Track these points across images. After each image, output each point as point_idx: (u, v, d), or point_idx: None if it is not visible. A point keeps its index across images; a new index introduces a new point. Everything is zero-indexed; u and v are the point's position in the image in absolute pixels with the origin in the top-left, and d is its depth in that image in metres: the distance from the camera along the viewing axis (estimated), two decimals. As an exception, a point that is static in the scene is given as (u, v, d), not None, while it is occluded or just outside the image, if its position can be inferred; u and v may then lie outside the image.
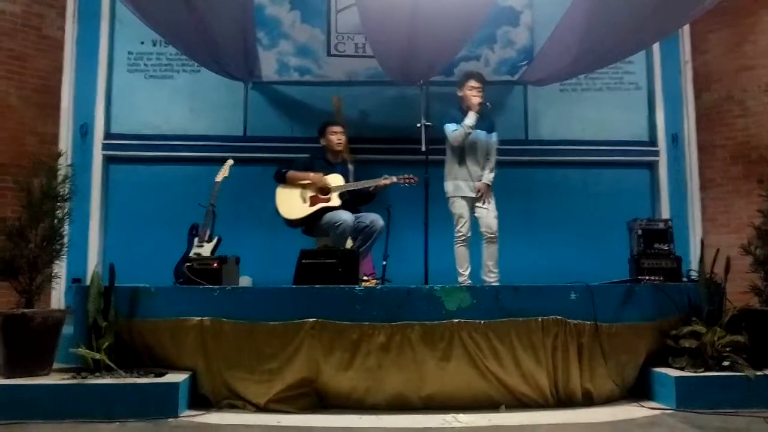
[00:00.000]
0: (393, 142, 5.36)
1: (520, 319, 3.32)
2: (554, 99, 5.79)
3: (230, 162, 4.52)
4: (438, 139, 4.82)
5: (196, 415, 3.13)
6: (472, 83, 4.54)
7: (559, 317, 3.34)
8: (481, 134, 4.54)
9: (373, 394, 3.26)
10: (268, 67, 5.73)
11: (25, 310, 3.27)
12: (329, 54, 5.85)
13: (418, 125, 4.79)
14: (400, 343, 3.31)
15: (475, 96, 4.50)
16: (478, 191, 4.48)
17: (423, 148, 4.75)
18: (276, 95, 5.78)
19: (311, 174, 4.45)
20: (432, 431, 2.95)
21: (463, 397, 3.26)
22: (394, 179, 4.45)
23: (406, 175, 4.46)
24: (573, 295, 3.43)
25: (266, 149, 5.46)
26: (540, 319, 3.32)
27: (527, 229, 5.11)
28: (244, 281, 4.20)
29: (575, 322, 3.36)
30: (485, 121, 4.60)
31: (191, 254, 4.00)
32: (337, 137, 4.63)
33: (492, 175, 4.54)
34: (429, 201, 4.67)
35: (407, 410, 3.23)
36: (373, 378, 3.28)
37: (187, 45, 5.14)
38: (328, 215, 4.35)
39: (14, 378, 3.17)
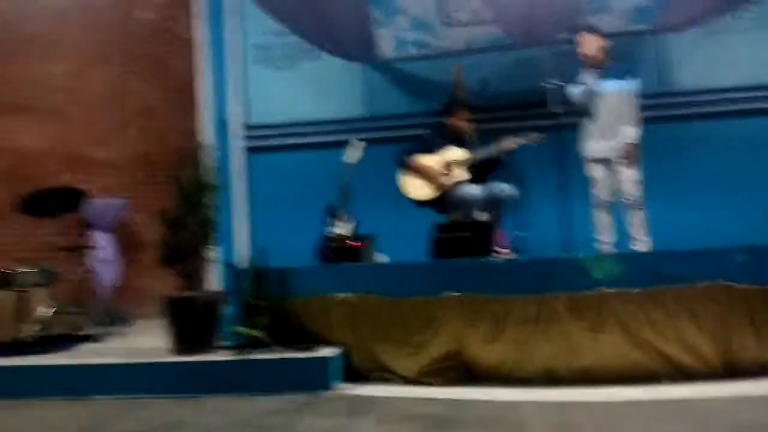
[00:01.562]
0: (520, 108, 5.15)
1: (679, 286, 3.09)
2: (697, 45, 5.25)
3: (359, 143, 4.59)
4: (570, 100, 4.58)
5: (348, 388, 3.25)
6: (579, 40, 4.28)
7: (724, 282, 3.07)
8: (609, 86, 4.15)
9: (521, 367, 3.21)
10: (386, 44, 5.72)
11: (188, 294, 3.55)
12: (445, 24, 5.73)
13: (546, 85, 4.58)
14: (545, 315, 3.22)
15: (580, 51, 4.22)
16: (620, 151, 4.15)
17: (553, 110, 4.55)
18: (395, 72, 5.77)
19: (429, 164, 4.40)
20: (592, 405, 2.84)
21: (618, 369, 3.10)
22: (519, 140, 4.24)
23: (531, 134, 4.25)
24: (739, 258, 3.13)
25: (391, 128, 5.48)
26: (702, 285, 3.07)
27: (676, 190, 4.69)
28: (381, 258, 4.27)
29: (744, 286, 3.06)
30: (614, 70, 4.21)
31: (331, 234, 4.13)
32: (463, 122, 4.54)
33: (632, 130, 4.11)
34: (565, 166, 4.49)
35: (558, 383, 3.13)
36: (520, 350, 3.22)
37: (307, 32, 5.28)
38: (457, 190, 4.30)
39: (183, 356, 3.47)
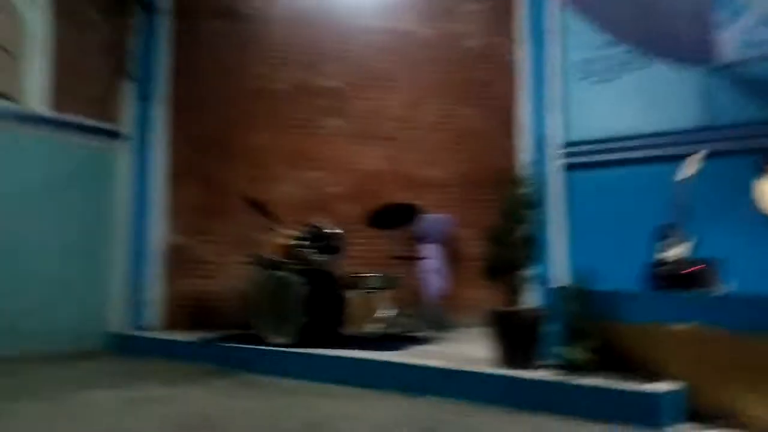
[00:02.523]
0: None
1: None
2: None
3: (698, 156, 4.11)
4: None
5: (688, 429, 2.92)
6: None
7: None
8: None
9: None
10: (729, 46, 5.05)
11: (513, 308, 3.64)
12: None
13: None
14: None
15: None
16: None
17: None
18: (741, 77, 5.04)
19: None
20: None
21: None
22: None
23: None
24: None
25: (734, 138, 4.81)
26: None
27: None
28: (727, 287, 3.74)
29: None
30: None
31: (663, 258, 3.79)
32: None
33: None
34: None
35: None
36: None
37: (636, 39, 5.01)
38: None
39: (507, 369, 3.55)
